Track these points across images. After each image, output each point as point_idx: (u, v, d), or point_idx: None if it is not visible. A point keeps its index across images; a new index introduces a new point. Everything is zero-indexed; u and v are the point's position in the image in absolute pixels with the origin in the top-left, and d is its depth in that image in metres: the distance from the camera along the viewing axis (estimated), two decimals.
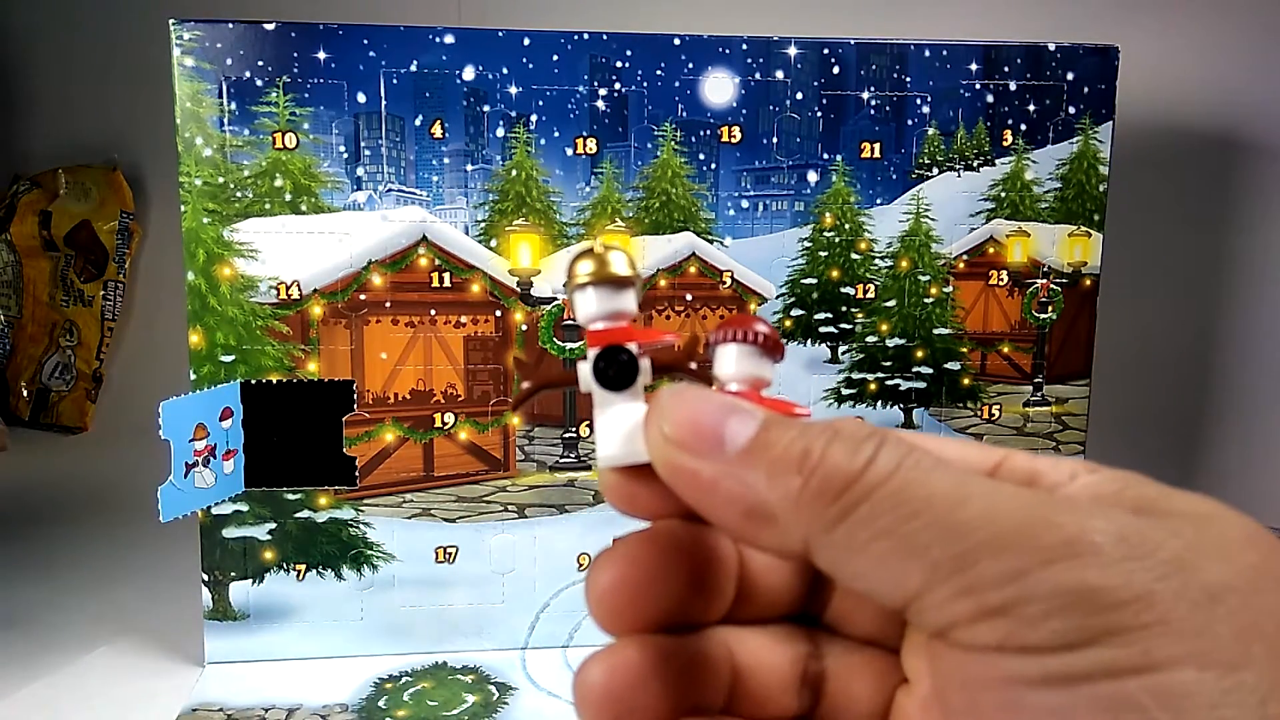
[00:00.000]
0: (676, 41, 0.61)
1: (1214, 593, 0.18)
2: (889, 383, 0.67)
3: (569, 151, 0.61)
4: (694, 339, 0.25)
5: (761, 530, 0.21)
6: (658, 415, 0.23)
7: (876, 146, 0.64)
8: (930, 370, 0.67)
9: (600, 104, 0.61)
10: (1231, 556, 0.18)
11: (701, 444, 0.22)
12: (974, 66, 0.64)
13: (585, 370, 0.25)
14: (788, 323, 0.65)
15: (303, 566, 0.62)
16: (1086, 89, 0.65)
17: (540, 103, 0.61)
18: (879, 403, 0.67)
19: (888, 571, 0.19)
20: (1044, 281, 0.67)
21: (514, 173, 0.61)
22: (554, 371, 0.25)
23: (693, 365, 0.26)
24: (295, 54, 0.58)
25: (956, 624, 0.19)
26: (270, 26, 0.58)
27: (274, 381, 0.60)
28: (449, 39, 0.59)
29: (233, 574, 0.61)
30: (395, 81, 0.59)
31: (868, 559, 0.20)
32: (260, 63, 0.58)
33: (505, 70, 0.60)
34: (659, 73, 0.61)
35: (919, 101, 0.64)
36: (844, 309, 0.66)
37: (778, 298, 0.65)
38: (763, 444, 0.21)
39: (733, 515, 0.22)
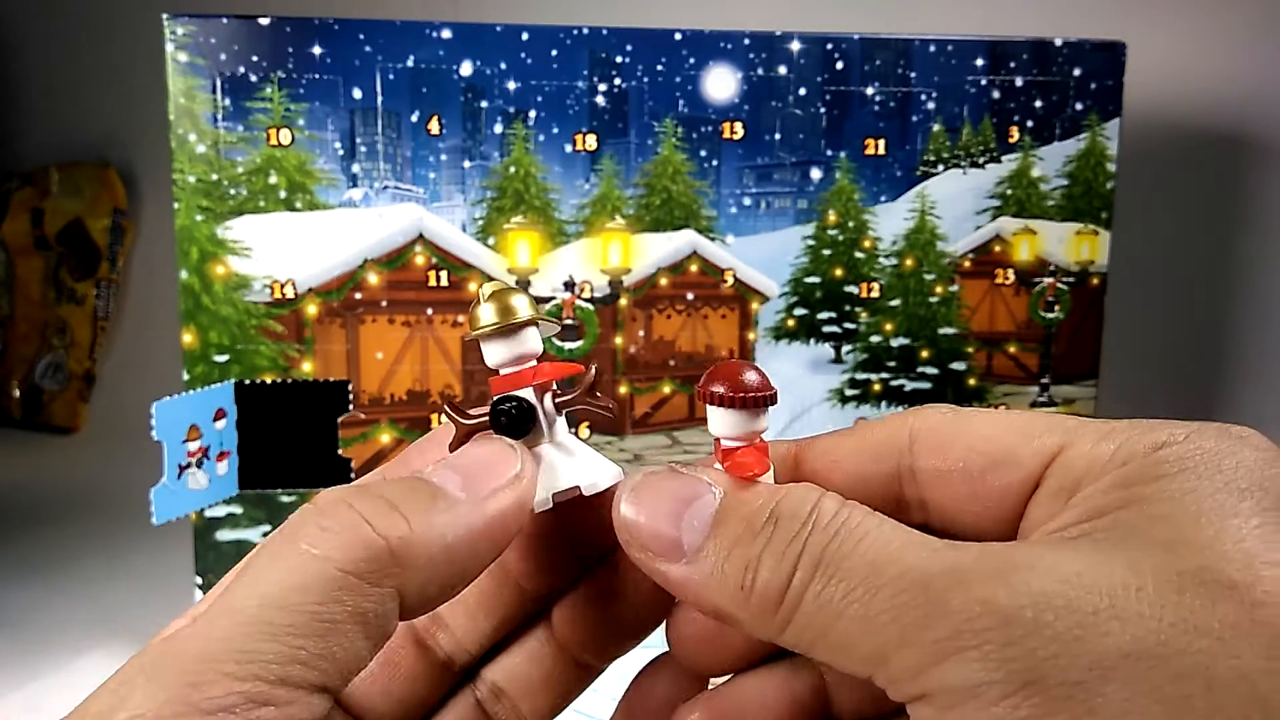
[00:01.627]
0: (678, 36, 0.60)
1: (1095, 665, 0.17)
2: (893, 383, 0.66)
3: (568, 148, 0.60)
4: (597, 372, 0.26)
5: (731, 624, 0.22)
6: (620, 510, 0.23)
7: (881, 143, 0.63)
8: (935, 370, 0.66)
9: (600, 100, 0.60)
10: (1150, 610, 0.17)
11: (661, 549, 0.22)
12: (980, 62, 0.63)
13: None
14: (790, 322, 0.64)
15: None
16: (1094, 85, 0.65)
17: (539, 98, 0.60)
18: (883, 403, 0.66)
19: (839, 662, 0.20)
20: (1051, 280, 0.66)
21: (512, 169, 0.60)
22: (482, 419, 0.26)
23: (594, 396, 0.26)
24: (290, 49, 0.57)
25: (902, 703, 0.19)
26: (265, 21, 0.57)
27: (268, 382, 0.59)
28: (446, 34, 0.59)
29: None
30: (391, 77, 0.58)
31: (820, 653, 0.20)
32: (255, 58, 0.57)
33: (503, 65, 0.59)
34: (660, 68, 0.61)
35: (924, 97, 0.63)
36: (848, 308, 0.65)
37: (780, 296, 0.64)
38: (714, 544, 0.22)
39: (703, 610, 0.23)
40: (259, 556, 0.21)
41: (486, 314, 0.26)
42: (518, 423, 0.25)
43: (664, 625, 0.27)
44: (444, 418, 0.26)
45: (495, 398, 0.26)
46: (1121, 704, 0.17)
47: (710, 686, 0.27)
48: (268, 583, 0.20)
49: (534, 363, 0.26)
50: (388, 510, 0.21)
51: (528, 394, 0.26)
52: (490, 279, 0.24)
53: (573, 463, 0.26)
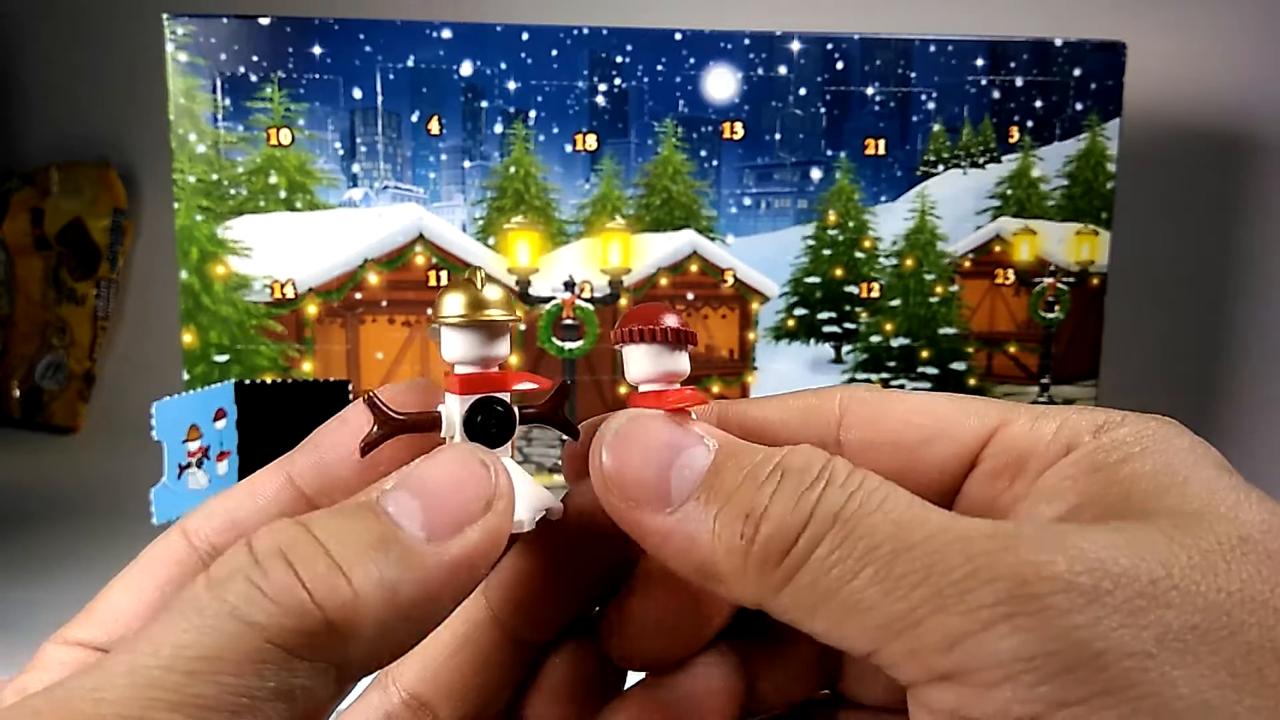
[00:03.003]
0: (678, 36, 0.60)
1: (1165, 637, 0.16)
2: (894, 383, 0.66)
3: (568, 148, 0.60)
4: (563, 388, 0.24)
5: (714, 586, 0.20)
6: (601, 454, 0.21)
7: (881, 143, 0.63)
8: (936, 371, 0.66)
9: (600, 100, 0.60)
10: (1204, 580, 0.17)
11: (646, 495, 0.20)
12: (980, 62, 0.63)
13: (455, 419, 0.22)
14: (790, 322, 0.64)
15: None
16: (1094, 85, 0.65)
17: (539, 98, 0.60)
18: None
19: (841, 631, 0.18)
20: (1051, 280, 0.66)
21: (512, 169, 0.60)
22: (413, 417, 0.23)
23: (560, 414, 0.24)
24: (290, 49, 0.57)
25: (915, 684, 0.18)
26: (265, 21, 0.57)
27: (268, 382, 0.59)
28: (446, 34, 0.59)
29: None
30: (392, 77, 0.58)
31: (819, 620, 0.18)
32: (255, 58, 0.57)
33: (503, 65, 0.59)
34: (660, 68, 0.61)
35: (924, 97, 0.63)
36: (848, 308, 0.65)
37: (780, 296, 0.64)
38: (708, 497, 0.20)
39: (685, 569, 0.20)
40: (181, 601, 0.18)
41: (461, 303, 0.22)
42: (504, 428, 0.22)
43: (604, 614, 0.24)
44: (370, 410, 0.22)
45: (476, 396, 0.22)
46: (1197, 679, 0.16)
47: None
48: (178, 641, 0.17)
49: (497, 368, 0.23)
50: (329, 570, 0.18)
51: (506, 399, 0.23)
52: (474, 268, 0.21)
53: (535, 484, 0.23)
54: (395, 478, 0.20)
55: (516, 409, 0.23)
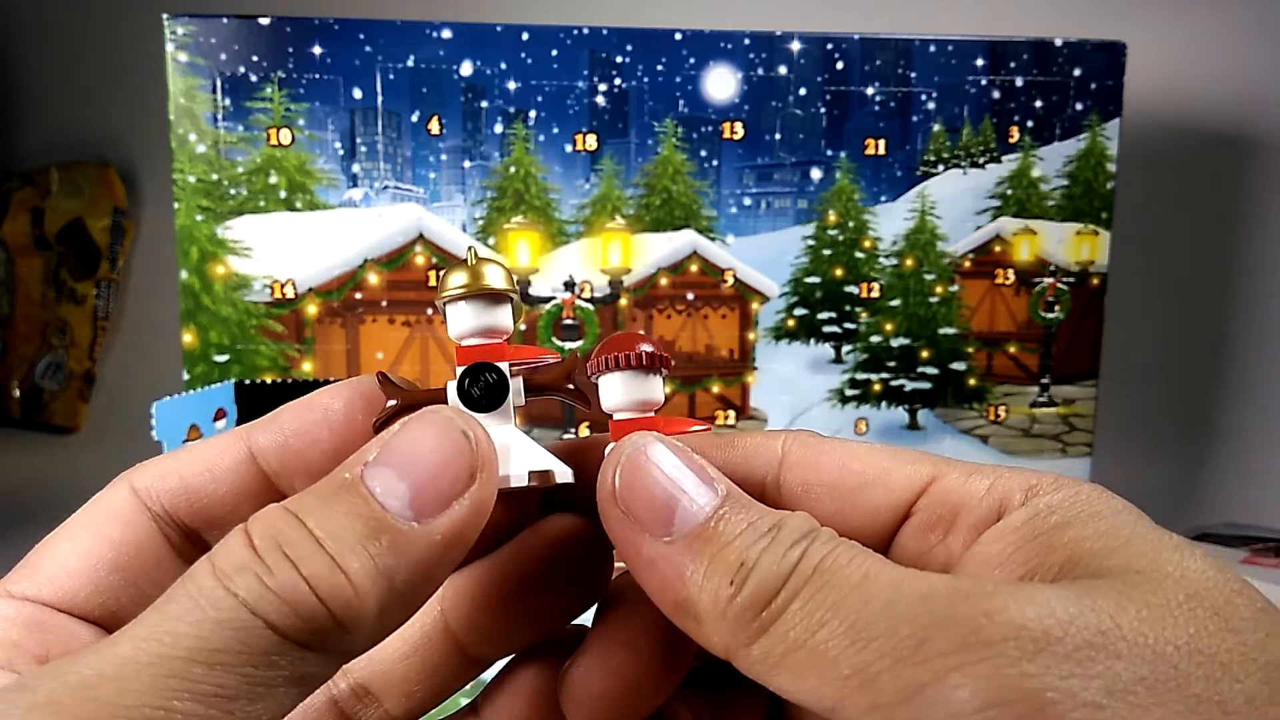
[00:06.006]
0: (678, 36, 0.60)
1: (1114, 688, 0.16)
2: (893, 383, 0.66)
3: (568, 148, 0.60)
4: (573, 358, 0.25)
5: (687, 624, 0.21)
6: (616, 466, 0.22)
7: (881, 143, 0.63)
8: (935, 370, 0.66)
9: (600, 100, 0.60)
10: (1153, 633, 0.17)
11: (648, 518, 0.21)
12: (980, 62, 0.63)
13: (453, 390, 0.23)
14: (790, 322, 0.64)
15: None
16: (1094, 85, 0.65)
17: (539, 98, 0.60)
18: (883, 404, 0.66)
19: (806, 684, 0.18)
20: (1051, 280, 0.66)
21: (512, 169, 0.60)
22: (424, 393, 0.23)
23: (570, 385, 0.25)
24: (290, 49, 0.57)
25: None
26: (265, 21, 0.57)
27: (268, 382, 0.59)
28: (446, 34, 0.59)
29: None
30: (392, 77, 0.58)
31: (784, 673, 0.19)
32: (255, 58, 0.57)
33: (503, 65, 0.59)
34: (660, 68, 0.61)
35: (924, 97, 0.63)
36: (848, 308, 0.65)
37: (780, 297, 0.64)
38: (708, 538, 0.20)
39: (663, 600, 0.21)
40: (189, 590, 0.18)
41: (459, 278, 0.23)
42: (493, 394, 0.23)
43: (563, 680, 0.24)
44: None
45: (469, 365, 0.23)
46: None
47: None
48: (196, 634, 0.17)
49: (501, 341, 0.24)
50: (329, 569, 0.18)
51: (503, 368, 0.23)
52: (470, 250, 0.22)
53: (540, 449, 0.23)
54: (375, 449, 0.20)
55: (519, 379, 0.24)
